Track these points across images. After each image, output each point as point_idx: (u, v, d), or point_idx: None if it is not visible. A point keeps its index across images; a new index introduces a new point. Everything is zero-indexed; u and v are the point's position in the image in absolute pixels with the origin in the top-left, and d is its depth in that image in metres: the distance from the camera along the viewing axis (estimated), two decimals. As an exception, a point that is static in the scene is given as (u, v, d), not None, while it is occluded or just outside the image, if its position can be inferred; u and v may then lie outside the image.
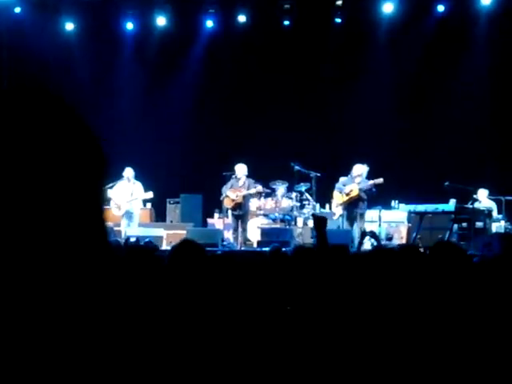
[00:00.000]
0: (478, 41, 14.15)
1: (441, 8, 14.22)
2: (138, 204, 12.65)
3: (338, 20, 14.81)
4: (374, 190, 11.53)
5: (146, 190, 12.41)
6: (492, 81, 13.82)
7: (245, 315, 2.66)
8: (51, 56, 14.90)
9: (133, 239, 10.39)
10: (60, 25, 15.25)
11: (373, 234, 11.00)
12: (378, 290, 2.63)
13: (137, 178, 12.48)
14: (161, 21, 15.25)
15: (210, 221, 13.88)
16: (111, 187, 12.61)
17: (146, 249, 3.56)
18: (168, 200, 14.36)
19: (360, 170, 11.77)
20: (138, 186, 12.39)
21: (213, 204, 13.64)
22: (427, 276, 2.58)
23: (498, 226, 11.99)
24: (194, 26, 15.46)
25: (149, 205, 13.84)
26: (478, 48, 14.08)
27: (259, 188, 12.24)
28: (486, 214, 11.53)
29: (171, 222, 14.07)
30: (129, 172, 12.36)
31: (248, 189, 12.03)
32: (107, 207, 12.71)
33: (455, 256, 2.80)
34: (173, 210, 14.40)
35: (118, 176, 12.46)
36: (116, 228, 12.16)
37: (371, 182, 11.51)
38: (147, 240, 10.07)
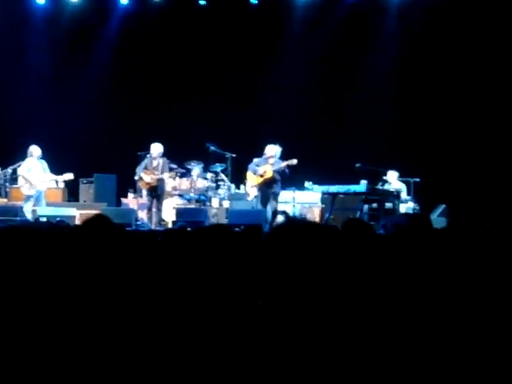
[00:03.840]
0: (386, 27, 14.51)
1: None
2: (47, 184, 12.31)
3: (254, 1, 14.85)
4: (286, 170, 11.66)
5: (59, 170, 12.10)
6: (399, 65, 14.18)
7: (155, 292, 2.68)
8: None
9: (43, 219, 10.18)
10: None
11: (285, 214, 11.18)
12: (292, 265, 2.68)
13: (49, 157, 12.17)
14: (74, -4, 14.88)
15: (124, 200, 13.75)
16: (19, 165, 12.23)
17: (53, 226, 3.52)
18: (81, 180, 14.12)
19: (273, 150, 11.87)
20: (45, 165, 12.06)
21: (127, 184, 13.52)
22: (337, 249, 2.67)
23: (406, 207, 12.38)
24: (107, 2, 15.17)
25: (61, 184, 13.56)
26: (386, 33, 14.44)
27: (172, 174, 12.29)
28: (395, 196, 11.87)
29: (84, 201, 13.86)
30: (36, 150, 11.96)
31: (162, 169, 11.96)
32: (18, 186, 12.36)
33: (364, 232, 2.91)
34: (86, 189, 14.18)
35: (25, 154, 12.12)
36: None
37: (284, 163, 11.62)
38: (58, 219, 9.89)
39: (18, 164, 12.28)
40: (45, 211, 11.35)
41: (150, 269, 2.87)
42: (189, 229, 5.62)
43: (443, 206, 12.38)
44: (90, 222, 2.99)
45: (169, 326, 2.38)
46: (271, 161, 11.77)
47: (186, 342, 2.36)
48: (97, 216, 3.06)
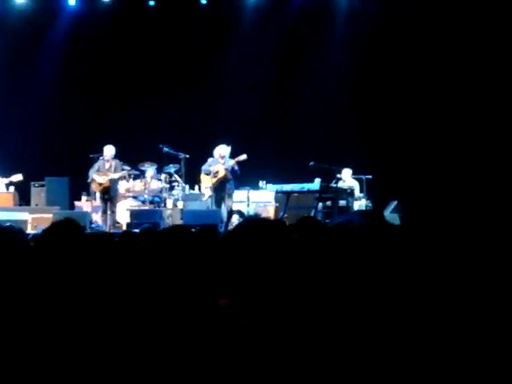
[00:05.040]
0: (337, 24, 14.65)
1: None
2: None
3: (204, 1, 14.86)
4: (236, 168, 11.77)
5: (10, 173, 11.89)
6: (351, 63, 14.32)
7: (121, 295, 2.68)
8: None
9: (-5, 224, 9.97)
10: None
11: (240, 213, 11.21)
12: (250, 264, 2.70)
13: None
14: (20, -3, 14.67)
15: (77, 204, 13.59)
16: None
17: (8, 231, 3.47)
18: (32, 183, 13.87)
19: (223, 150, 11.99)
20: None
21: (80, 187, 13.37)
22: (292, 246, 2.70)
23: (360, 205, 12.52)
24: (55, 3, 14.97)
25: (12, 188, 13.32)
26: (338, 31, 14.58)
27: (124, 173, 12.21)
28: (349, 193, 12.01)
29: (36, 205, 13.63)
30: None
31: (115, 171, 11.91)
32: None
33: (315, 228, 2.95)
34: (38, 193, 13.94)
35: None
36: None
37: (234, 160, 11.75)
38: (8, 224, 9.70)
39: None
40: (-4, 215, 11.14)
41: (109, 271, 2.87)
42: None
43: (395, 203, 12.55)
44: (59, 227, 2.97)
45: (129, 327, 2.39)
46: (222, 161, 11.88)
47: (144, 343, 2.36)
48: (66, 220, 3.04)
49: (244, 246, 2.44)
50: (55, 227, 2.98)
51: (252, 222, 2.52)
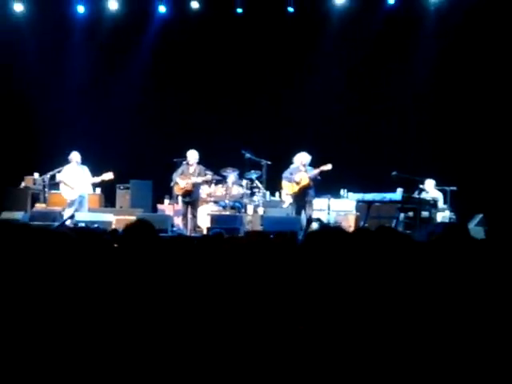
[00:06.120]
0: (425, 34, 14.35)
1: (391, 0, 14.44)
2: (89, 189, 12.52)
3: (291, 9, 14.88)
4: (319, 177, 11.76)
5: (97, 174, 12.26)
6: (439, 72, 14.04)
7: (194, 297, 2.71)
8: (-1, 38, 14.63)
9: (82, 224, 10.30)
10: (8, 6, 14.93)
11: (319, 221, 11.14)
12: (328, 274, 2.69)
13: (86, 162, 12.34)
14: (113, 5, 15.08)
15: (160, 207, 13.86)
16: (59, 171, 12.42)
17: (94, 232, 3.57)
18: (118, 185, 14.26)
19: (305, 158, 11.96)
20: (87, 170, 12.26)
21: (163, 190, 13.63)
22: (369, 256, 2.66)
23: (443, 216, 12.24)
24: (146, 10, 15.33)
25: (98, 190, 13.73)
26: (426, 40, 14.28)
27: (208, 177, 12.30)
28: (432, 204, 11.75)
29: (121, 207, 14.00)
30: (76, 156, 12.19)
31: (198, 176, 12.06)
32: (56, 191, 12.54)
33: (395, 239, 2.90)
34: (123, 195, 14.32)
35: (66, 160, 12.31)
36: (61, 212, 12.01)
37: (319, 169, 11.72)
38: (95, 226, 10.02)
39: (58, 169, 12.45)
40: (83, 216, 11.49)
41: (186, 274, 2.91)
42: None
43: (481, 216, 12.20)
44: (133, 228, 3.03)
45: (208, 327, 2.41)
46: (303, 168, 11.86)
47: (220, 341, 2.38)
48: (140, 222, 3.11)
49: (315, 253, 2.43)
50: (130, 229, 3.04)
51: (324, 231, 2.51)
